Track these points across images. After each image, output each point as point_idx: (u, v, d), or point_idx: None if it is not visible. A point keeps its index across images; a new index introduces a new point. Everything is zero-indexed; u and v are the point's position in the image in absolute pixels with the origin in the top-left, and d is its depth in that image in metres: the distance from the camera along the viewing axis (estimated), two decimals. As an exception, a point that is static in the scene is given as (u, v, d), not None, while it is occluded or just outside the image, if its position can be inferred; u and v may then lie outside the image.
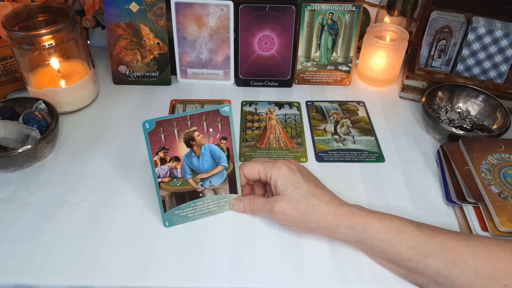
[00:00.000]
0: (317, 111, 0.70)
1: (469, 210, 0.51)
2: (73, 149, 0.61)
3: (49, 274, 0.45)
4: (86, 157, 0.60)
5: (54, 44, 0.61)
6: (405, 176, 0.58)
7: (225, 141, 0.48)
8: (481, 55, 0.69)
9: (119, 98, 0.71)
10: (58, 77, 0.66)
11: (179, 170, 0.47)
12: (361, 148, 0.63)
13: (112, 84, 0.75)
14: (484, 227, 0.48)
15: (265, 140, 0.64)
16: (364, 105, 0.72)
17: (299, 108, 0.71)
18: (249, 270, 0.46)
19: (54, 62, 0.64)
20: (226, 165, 0.49)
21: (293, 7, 0.68)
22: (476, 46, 0.69)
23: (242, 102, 0.71)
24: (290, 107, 0.71)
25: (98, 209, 0.52)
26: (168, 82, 0.75)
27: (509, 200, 0.49)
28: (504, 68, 0.69)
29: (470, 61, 0.71)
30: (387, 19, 0.80)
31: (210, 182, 0.49)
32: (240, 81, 0.75)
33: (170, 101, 0.71)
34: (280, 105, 0.71)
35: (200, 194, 0.49)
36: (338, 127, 0.67)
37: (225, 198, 0.51)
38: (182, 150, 0.46)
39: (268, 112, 0.70)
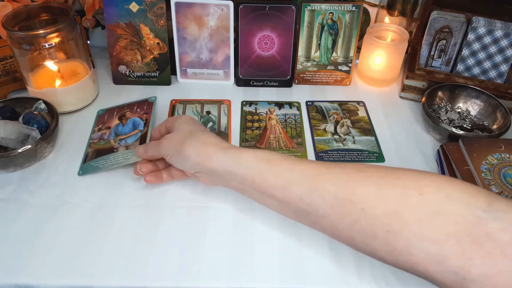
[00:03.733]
0: (317, 111, 0.70)
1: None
2: (73, 149, 0.61)
3: (49, 274, 0.45)
4: (86, 157, 0.60)
5: (54, 44, 0.61)
6: (405, 176, 0.58)
7: (146, 115, 0.62)
8: (481, 55, 0.69)
9: (119, 98, 0.71)
10: (58, 77, 0.66)
11: (107, 134, 0.61)
12: (361, 148, 0.63)
13: (112, 84, 0.75)
14: (484, 227, 0.48)
15: (265, 140, 0.64)
16: (364, 105, 0.72)
17: (299, 108, 0.71)
18: (249, 270, 0.46)
19: (54, 62, 0.64)
20: (142, 129, 0.60)
21: (293, 7, 0.68)
22: (476, 46, 0.69)
23: (242, 102, 0.71)
24: (290, 107, 0.71)
25: (98, 209, 0.52)
26: (168, 82, 0.75)
27: (509, 200, 0.49)
28: (504, 68, 0.69)
29: (470, 61, 0.71)
30: (387, 19, 0.80)
31: (126, 141, 0.59)
32: (240, 81, 0.75)
33: (170, 101, 0.71)
34: (280, 105, 0.71)
35: (115, 150, 0.58)
36: (338, 127, 0.67)
37: (132, 152, 0.57)
38: (114, 122, 0.63)
39: (268, 112, 0.70)
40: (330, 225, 0.39)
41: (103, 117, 0.66)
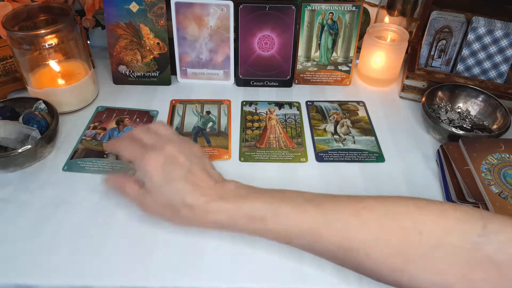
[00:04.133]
0: (317, 111, 0.70)
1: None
2: (73, 149, 0.61)
3: (49, 274, 0.45)
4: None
5: (54, 44, 0.61)
6: (405, 176, 0.58)
7: None
8: (481, 55, 0.69)
9: (119, 98, 0.71)
10: (58, 77, 0.66)
11: (101, 135, 0.63)
12: (361, 148, 0.63)
13: (112, 84, 0.75)
14: (484, 227, 0.48)
15: (265, 140, 0.64)
16: (364, 105, 0.72)
17: (299, 108, 0.71)
18: (249, 270, 0.46)
19: (54, 62, 0.64)
20: None
21: (293, 7, 0.68)
22: (476, 46, 0.69)
23: (242, 102, 0.71)
24: (290, 107, 0.71)
25: (98, 209, 0.52)
26: (168, 82, 0.75)
27: (509, 200, 0.49)
28: (504, 68, 0.69)
29: (470, 61, 0.71)
30: (387, 19, 0.80)
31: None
32: (240, 81, 0.75)
33: (170, 101, 0.71)
34: (280, 105, 0.71)
35: (105, 156, 0.60)
36: (338, 127, 0.67)
37: (121, 164, 0.59)
38: (111, 125, 0.65)
39: (268, 112, 0.70)
40: (336, 263, 0.41)
41: (101, 115, 0.67)
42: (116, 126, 0.65)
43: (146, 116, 0.67)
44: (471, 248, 0.34)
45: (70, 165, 0.58)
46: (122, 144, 0.47)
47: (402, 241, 0.36)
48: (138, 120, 0.66)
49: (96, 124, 0.65)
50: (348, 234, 0.38)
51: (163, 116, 0.68)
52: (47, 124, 0.59)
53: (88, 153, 0.60)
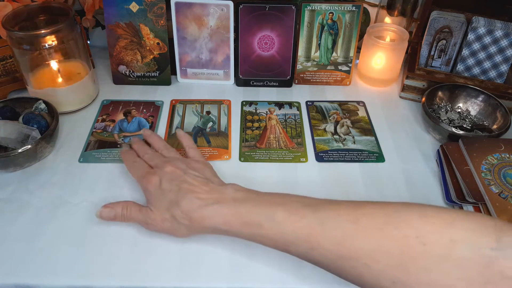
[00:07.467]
0: (317, 111, 0.70)
1: (469, 210, 0.51)
2: (73, 149, 0.61)
3: (49, 274, 0.45)
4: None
5: (54, 44, 0.61)
6: (405, 176, 0.58)
7: (152, 118, 0.67)
8: (481, 55, 0.69)
9: (119, 98, 0.71)
10: (58, 77, 0.66)
11: (111, 127, 0.65)
12: (361, 148, 0.63)
13: (112, 84, 0.75)
14: (484, 227, 0.48)
15: (265, 140, 0.64)
16: (364, 105, 0.72)
17: (299, 108, 0.71)
18: (249, 270, 0.46)
19: (54, 62, 0.64)
20: None
21: (293, 7, 0.68)
22: (476, 46, 0.69)
23: (242, 102, 0.71)
24: (290, 107, 0.71)
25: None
26: (168, 82, 0.75)
27: (509, 200, 0.49)
28: (504, 68, 0.69)
29: (470, 61, 0.71)
30: (387, 19, 0.80)
31: (130, 139, 0.62)
32: (240, 81, 0.75)
33: (170, 101, 0.71)
34: (280, 105, 0.71)
35: (118, 146, 0.62)
36: (338, 127, 0.67)
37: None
38: (119, 117, 0.67)
39: (268, 112, 0.70)
40: (335, 274, 0.39)
41: (107, 108, 0.68)
42: (124, 117, 0.67)
43: (152, 107, 0.69)
44: (483, 262, 0.31)
45: (86, 157, 0.60)
46: (131, 163, 0.52)
47: (404, 252, 0.34)
48: (145, 110, 0.68)
49: (104, 117, 0.67)
50: (347, 242, 0.36)
51: (164, 116, 0.68)
52: (47, 124, 0.59)
53: (101, 145, 0.62)
